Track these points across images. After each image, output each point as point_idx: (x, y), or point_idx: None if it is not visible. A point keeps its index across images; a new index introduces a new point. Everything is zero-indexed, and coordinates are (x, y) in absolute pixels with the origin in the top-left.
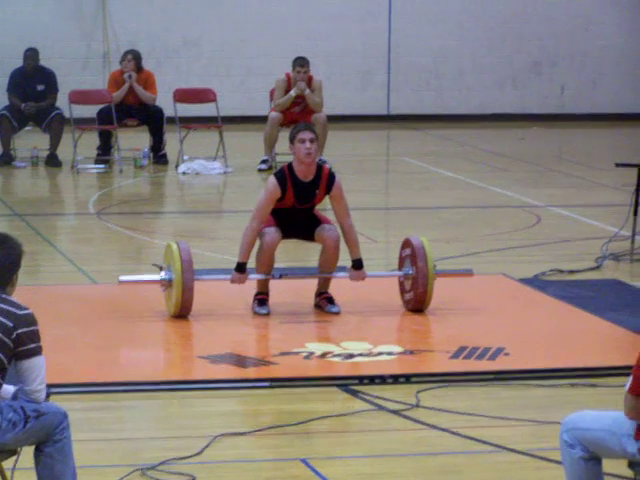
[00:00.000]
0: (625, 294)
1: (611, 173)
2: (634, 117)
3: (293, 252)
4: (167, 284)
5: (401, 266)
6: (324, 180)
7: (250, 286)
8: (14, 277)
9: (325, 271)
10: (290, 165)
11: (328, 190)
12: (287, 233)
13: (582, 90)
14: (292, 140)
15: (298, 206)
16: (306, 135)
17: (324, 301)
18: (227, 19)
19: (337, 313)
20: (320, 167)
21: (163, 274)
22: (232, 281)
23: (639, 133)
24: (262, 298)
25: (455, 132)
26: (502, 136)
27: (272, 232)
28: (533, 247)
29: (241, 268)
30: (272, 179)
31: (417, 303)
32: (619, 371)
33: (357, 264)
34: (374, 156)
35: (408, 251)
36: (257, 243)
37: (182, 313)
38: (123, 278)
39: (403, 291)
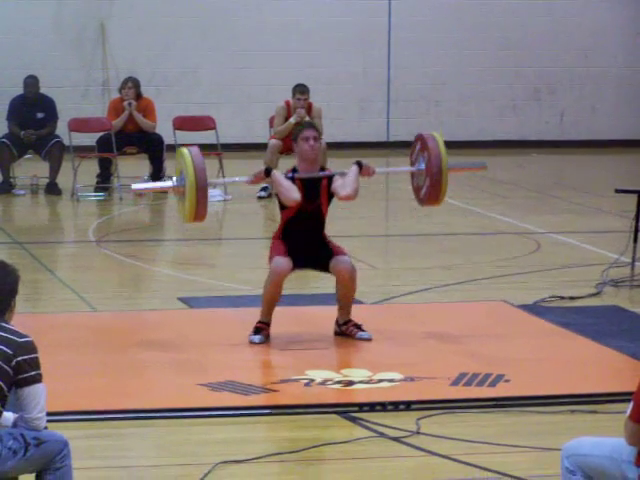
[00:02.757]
0: (625, 320)
1: (611, 199)
2: (633, 143)
3: (294, 279)
4: (180, 190)
5: (414, 163)
6: (325, 178)
7: (251, 314)
8: (12, 303)
9: (344, 303)
10: (294, 168)
11: (329, 182)
12: (299, 260)
13: (581, 117)
14: (295, 139)
15: (306, 205)
16: (310, 133)
17: (353, 328)
18: (226, 47)
19: (369, 339)
20: (322, 168)
21: (175, 180)
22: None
23: (638, 159)
24: (259, 327)
25: (454, 159)
26: (502, 163)
27: (282, 261)
28: (533, 274)
29: (268, 172)
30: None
31: (432, 196)
32: (619, 397)
33: (359, 162)
34: (373, 183)
35: (420, 146)
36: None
37: (196, 219)
38: (136, 186)
39: (418, 189)
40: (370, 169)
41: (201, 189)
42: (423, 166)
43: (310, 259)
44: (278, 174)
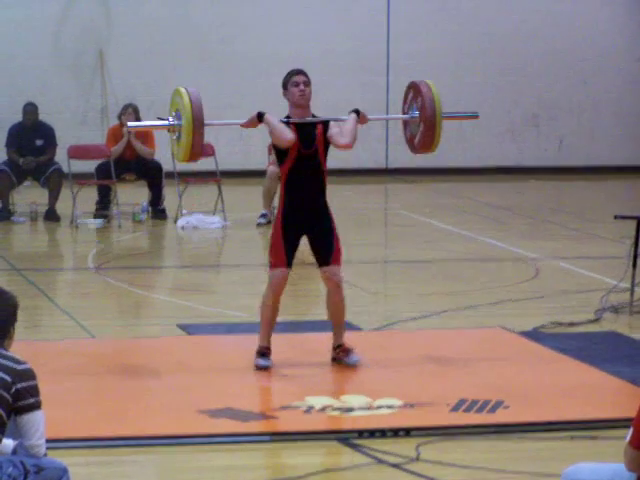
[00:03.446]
0: (624, 346)
1: (610, 225)
2: (632, 169)
3: (295, 307)
4: (176, 129)
5: (406, 111)
6: (320, 124)
7: (249, 341)
8: (11, 330)
9: (336, 321)
10: (287, 116)
11: (325, 129)
12: (299, 228)
13: (580, 143)
14: (285, 85)
15: (304, 151)
16: (299, 78)
17: (342, 353)
18: (225, 74)
19: (357, 362)
20: (313, 116)
21: (171, 119)
22: (243, 125)
23: (637, 185)
24: (263, 351)
25: (453, 185)
26: (501, 189)
27: (279, 273)
28: (532, 300)
29: (260, 116)
30: None
31: (426, 142)
32: (619, 423)
33: (357, 110)
34: (373, 209)
35: (413, 95)
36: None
37: (192, 158)
38: (131, 124)
39: (411, 138)
40: (365, 117)
41: (197, 125)
42: (417, 113)
43: (311, 228)
44: (271, 117)
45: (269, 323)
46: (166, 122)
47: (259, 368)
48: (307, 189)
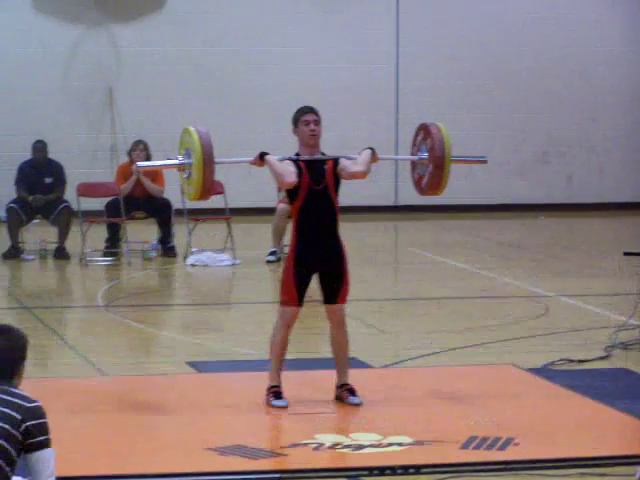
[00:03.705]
0: (634, 383)
1: (619, 262)
2: None
3: (304, 344)
4: (186, 168)
5: (415, 153)
6: (330, 160)
7: (259, 378)
8: (21, 368)
9: (339, 358)
10: (296, 153)
11: (335, 165)
12: (311, 264)
13: (589, 179)
14: (296, 123)
15: (315, 187)
16: (310, 117)
17: (345, 392)
18: (234, 111)
19: (359, 404)
20: (323, 153)
21: (181, 158)
22: (250, 162)
23: None
24: (277, 391)
25: (463, 222)
26: (510, 226)
27: (288, 311)
28: (542, 337)
29: (262, 156)
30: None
31: (434, 183)
32: (628, 460)
33: (371, 148)
34: (382, 247)
35: (423, 136)
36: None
37: (202, 197)
38: (141, 164)
39: (419, 180)
40: (377, 156)
41: (208, 162)
42: (426, 155)
43: (323, 266)
44: (272, 158)
45: (279, 360)
46: (176, 161)
47: (276, 407)
48: (319, 226)
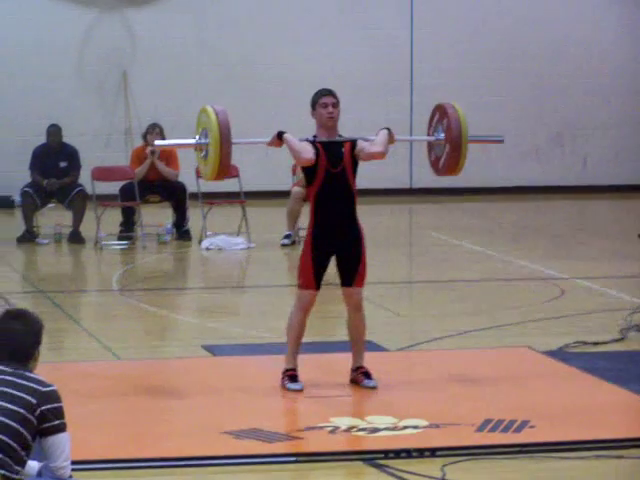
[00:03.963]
0: None
1: (634, 244)
2: None
3: (321, 327)
4: (203, 147)
5: (431, 133)
6: (347, 142)
7: (274, 362)
8: (36, 352)
9: (355, 341)
10: (314, 136)
11: (353, 147)
12: (330, 246)
13: (604, 161)
14: (314, 105)
15: (332, 170)
16: (328, 100)
17: (360, 376)
18: (249, 95)
19: (374, 387)
20: (340, 136)
21: (198, 137)
22: (267, 143)
23: None
24: (293, 374)
25: (478, 205)
26: (525, 208)
27: (306, 295)
28: (557, 319)
29: (280, 135)
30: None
31: (451, 164)
32: None
33: (386, 128)
34: (397, 230)
35: (439, 117)
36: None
37: (219, 176)
38: (158, 142)
39: (436, 161)
40: (394, 137)
41: (225, 141)
42: (442, 135)
43: (340, 249)
44: (290, 137)
45: (296, 343)
46: (193, 140)
47: (291, 390)
48: (337, 209)
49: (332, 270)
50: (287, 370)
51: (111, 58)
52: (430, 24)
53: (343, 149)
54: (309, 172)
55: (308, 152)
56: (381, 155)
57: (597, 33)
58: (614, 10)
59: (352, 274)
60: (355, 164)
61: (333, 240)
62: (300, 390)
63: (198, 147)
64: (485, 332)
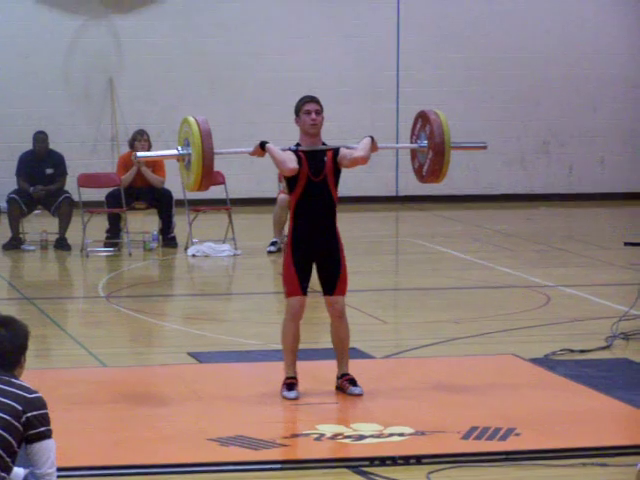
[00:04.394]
0: (635, 373)
1: (619, 252)
2: None
3: (305, 334)
4: (186, 158)
5: (414, 141)
6: (330, 151)
7: (260, 369)
8: (22, 359)
9: (339, 349)
10: (297, 143)
11: (335, 155)
12: (309, 254)
13: (590, 170)
14: (297, 112)
15: (314, 178)
16: (312, 107)
17: (346, 383)
18: (235, 101)
19: (360, 395)
20: (324, 143)
21: (180, 149)
22: (250, 153)
23: None
24: (291, 382)
25: (463, 213)
26: (510, 216)
27: (294, 301)
28: (543, 327)
29: (262, 145)
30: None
31: (434, 170)
32: (630, 450)
33: (371, 137)
34: (383, 237)
35: (422, 123)
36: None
37: (201, 187)
38: (140, 154)
39: (419, 168)
40: (376, 145)
41: (207, 153)
42: (425, 142)
43: (319, 256)
44: (272, 147)
45: (292, 352)
46: (175, 151)
47: (286, 398)
48: (316, 217)
49: (315, 277)
50: (286, 378)
51: (97, 65)
52: (416, 31)
53: (326, 157)
54: (290, 180)
55: (291, 161)
56: (364, 160)
57: (583, 42)
58: (601, 19)
59: (333, 282)
60: (337, 173)
61: (312, 247)
62: (295, 399)
63: (180, 158)
64: (471, 340)
